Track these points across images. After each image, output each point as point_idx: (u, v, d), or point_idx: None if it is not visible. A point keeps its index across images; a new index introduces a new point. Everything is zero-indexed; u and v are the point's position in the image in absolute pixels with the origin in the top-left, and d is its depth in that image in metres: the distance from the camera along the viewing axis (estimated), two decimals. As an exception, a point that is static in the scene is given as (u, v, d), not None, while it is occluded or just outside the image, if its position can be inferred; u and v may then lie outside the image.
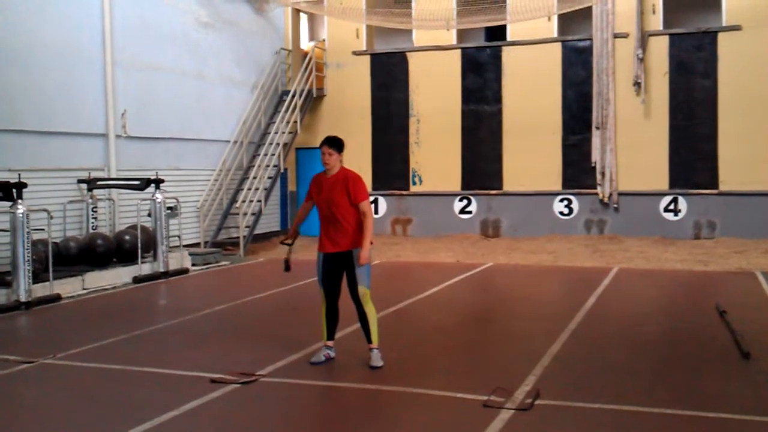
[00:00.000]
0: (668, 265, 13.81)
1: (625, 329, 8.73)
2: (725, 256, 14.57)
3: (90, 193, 13.44)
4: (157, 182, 13.37)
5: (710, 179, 17.17)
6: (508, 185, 18.61)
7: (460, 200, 18.96)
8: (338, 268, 7.07)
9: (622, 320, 9.26)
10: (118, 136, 14.42)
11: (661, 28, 17.49)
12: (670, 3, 17.53)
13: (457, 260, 15.02)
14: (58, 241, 12.35)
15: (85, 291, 11.62)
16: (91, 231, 13.21)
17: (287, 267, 7.48)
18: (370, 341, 7.07)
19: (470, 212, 18.89)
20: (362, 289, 6.95)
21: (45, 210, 11.26)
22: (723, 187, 17.05)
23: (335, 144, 7.04)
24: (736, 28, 16.88)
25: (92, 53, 14.00)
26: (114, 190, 14.07)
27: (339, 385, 6.70)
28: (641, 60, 17.32)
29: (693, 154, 17.28)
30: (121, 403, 6.17)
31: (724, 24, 17.11)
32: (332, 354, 7.23)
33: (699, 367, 7.09)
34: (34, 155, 12.67)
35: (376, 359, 7.00)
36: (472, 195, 18.87)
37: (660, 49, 17.46)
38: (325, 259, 7.08)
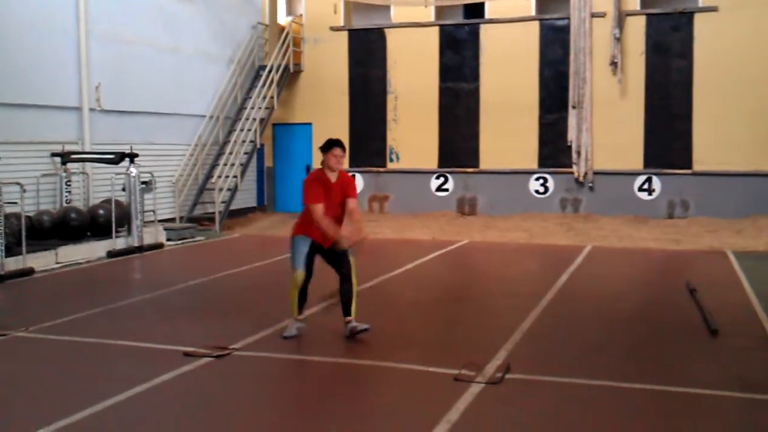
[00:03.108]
0: (641, 244, 13.95)
1: (596, 306, 8.84)
2: (698, 236, 14.73)
3: (64, 166, 13.32)
4: (132, 156, 13.27)
5: (685, 159, 17.28)
6: (485, 163, 18.64)
7: (437, 178, 18.99)
8: (321, 254, 7.17)
9: (594, 298, 9.37)
10: (92, 110, 14.28)
11: (638, 7, 17.52)
12: (648, -17, 17.60)
13: (433, 237, 15.07)
14: (31, 214, 12.23)
15: (58, 265, 11.54)
16: (64, 205, 13.12)
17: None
18: (348, 314, 7.09)
19: (447, 190, 18.93)
20: (352, 259, 7.09)
21: (18, 183, 11.16)
22: (697, 167, 17.18)
23: (344, 147, 7.20)
24: (712, 9, 16.94)
25: (66, 24, 13.80)
26: (88, 164, 13.97)
27: (312, 359, 6.74)
28: (618, 40, 17.35)
29: (668, 134, 17.38)
30: (93, 376, 6.18)
31: (700, 5, 17.17)
32: (304, 327, 7.26)
33: (668, 344, 7.20)
34: (6, 128, 12.52)
35: (359, 324, 7.02)
36: (448, 173, 18.89)
37: (637, 29, 17.50)
38: (313, 246, 7.13)
